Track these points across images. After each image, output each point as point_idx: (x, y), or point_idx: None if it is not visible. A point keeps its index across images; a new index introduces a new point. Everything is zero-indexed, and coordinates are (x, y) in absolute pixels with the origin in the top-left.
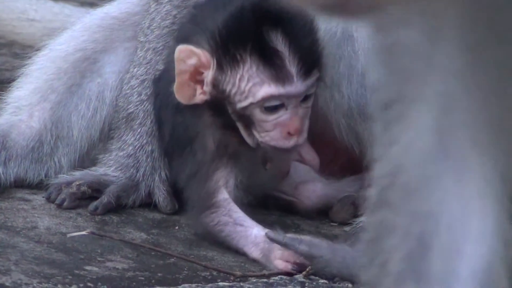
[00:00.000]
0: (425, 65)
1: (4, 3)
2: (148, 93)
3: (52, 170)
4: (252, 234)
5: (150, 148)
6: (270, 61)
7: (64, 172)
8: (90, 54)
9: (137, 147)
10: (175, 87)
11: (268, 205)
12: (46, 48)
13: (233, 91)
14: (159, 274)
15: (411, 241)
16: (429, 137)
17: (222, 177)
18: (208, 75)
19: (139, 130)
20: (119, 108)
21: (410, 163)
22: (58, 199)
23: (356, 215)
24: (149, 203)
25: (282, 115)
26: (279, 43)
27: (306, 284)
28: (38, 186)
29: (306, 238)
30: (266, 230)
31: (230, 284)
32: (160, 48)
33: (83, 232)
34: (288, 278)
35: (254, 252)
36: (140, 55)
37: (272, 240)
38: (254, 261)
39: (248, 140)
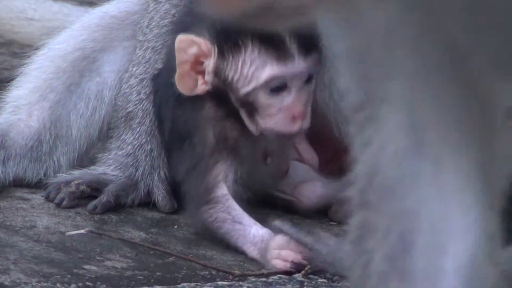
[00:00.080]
0: (384, 68)
1: (3, 2)
2: (147, 92)
3: (51, 169)
4: (250, 233)
5: (149, 147)
6: (270, 43)
7: (63, 171)
8: (89, 53)
9: (136, 146)
10: (176, 78)
11: (267, 204)
12: (45, 47)
13: (236, 77)
14: (158, 273)
15: (392, 241)
16: (402, 137)
17: (222, 171)
18: (210, 64)
19: (138, 129)
20: (118, 107)
21: (386, 163)
22: (57, 198)
23: None
24: (148, 202)
25: (286, 98)
26: None
27: (305, 283)
28: (37, 185)
29: (315, 230)
30: (265, 229)
31: (229, 283)
32: (159, 47)
33: (82, 231)
34: (287, 277)
35: (253, 252)
36: (139, 54)
37: (279, 229)
38: (253, 260)
39: (252, 128)
